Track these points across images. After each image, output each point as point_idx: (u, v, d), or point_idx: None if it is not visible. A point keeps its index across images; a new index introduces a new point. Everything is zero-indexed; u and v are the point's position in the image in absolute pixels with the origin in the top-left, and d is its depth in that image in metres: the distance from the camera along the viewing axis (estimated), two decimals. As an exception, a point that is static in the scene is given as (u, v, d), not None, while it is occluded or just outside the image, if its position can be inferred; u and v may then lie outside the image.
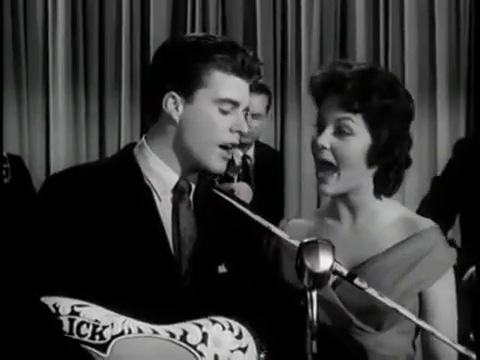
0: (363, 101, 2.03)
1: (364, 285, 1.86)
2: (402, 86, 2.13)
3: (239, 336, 1.80)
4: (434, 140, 5.77)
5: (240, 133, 1.96)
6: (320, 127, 2.10)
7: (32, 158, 5.72)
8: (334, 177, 2.08)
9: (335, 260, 1.66)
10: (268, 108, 4.63)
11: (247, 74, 1.96)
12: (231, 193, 2.86)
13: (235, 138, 1.96)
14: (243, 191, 3.82)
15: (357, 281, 1.84)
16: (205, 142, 1.93)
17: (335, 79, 2.07)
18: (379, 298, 1.84)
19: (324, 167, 2.09)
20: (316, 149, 2.09)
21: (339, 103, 2.05)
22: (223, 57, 1.92)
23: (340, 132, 2.06)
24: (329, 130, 2.07)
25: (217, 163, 1.95)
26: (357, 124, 2.05)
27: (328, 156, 2.07)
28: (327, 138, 2.06)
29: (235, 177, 4.03)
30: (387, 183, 2.11)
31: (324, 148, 2.07)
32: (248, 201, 3.23)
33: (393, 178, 2.11)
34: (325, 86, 2.09)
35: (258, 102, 4.45)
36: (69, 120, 5.80)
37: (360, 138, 2.06)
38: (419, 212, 3.12)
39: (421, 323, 1.85)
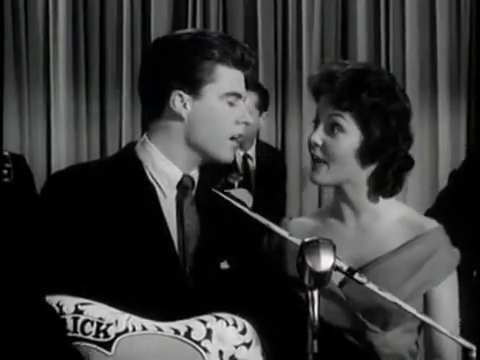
0: (353, 99, 2.05)
1: (364, 280, 1.87)
2: (399, 86, 2.14)
3: (243, 332, 1.81)
4: (435, 139, 5.76)
5: (246, 124, 2.00)
6: (316, 124, 2.13)
7: (33, 157, 5.70)
8: (324, 168, 2.10)
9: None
10: (260, 106, 4.57)
11: (245, 66, 1.99)
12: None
13: (242, 129, 2.00)
14: (243, 197, 3.83)
15: (357, 276, 1.86)
16: (216, 136, 1.96)
17: (329, 77, 2.10)
18: (379, 293, 1.85)
19: (316, 162, 2.12)
20: (309, 145, 2.13)
21: (331, 101, 2.08)
22: (224, 51, 1.94)
23: (332, 129, 2.09)
24: (321, 127, 2.10)
25: (227, 154, 1.99)
26: (348, 122, 2.07)
27: (319, 153, 2.10)
28: (319, 135, 2.10)
29: (235, 184, 4.05)
30: (385, 184, 2.11)
31: (316, 145, 2.10)
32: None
33: (392, 179, 2.11)
34: (320, 84, 2.12)
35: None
36: (70, 119, 5.80)
37: (350, 136, 2.08)
38: (430, 211, 3.11)
39: (423, 317, 1.86)
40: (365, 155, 2.08)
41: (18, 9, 5.71)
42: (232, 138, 1.98)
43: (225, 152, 1.98)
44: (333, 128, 2.08)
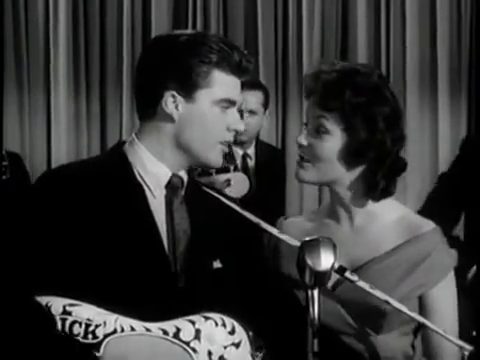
0: (336, 99, 2.05)
1: (355, 278, 1.87)
2: (389, 87, 2.12)
3: (232, 332, 1.80)
4: (435, 139, 5.76)
5: (236, 131, 1.99)
6: (305, 125, 2.14)
7: (33, 157, 5.72)
8: (309, 166, 2.11)
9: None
10: (265, 105, 4.58)
11: (242, 73, 1.98)
12: (226, 183, 2.85)
13: (231, 136, 1.98)
14: (239, 181, 3.80)
15: (348, 274, 1.85)
16: (205, 140, 1.95)
17: (315, 78, 2.10)
18: (370, 291, 1.85)
19: (302, 160, 2.13)
20: (297, 146, 2.13)
21: (317, 102, 2.09)
22: (223, 57, 1.93)
23: (317, 130, 2.08)
24: (308, 128, 2.11)
25: (216, 158, 1.98)
26: (332, 123, 2.07)
27: (305, 154, 2.11)
28: (305, 136, 2.11)
29: (231, 167, 4.03)
30: (376, 186, 2.10)
31: (302, 146, 2.11)
32: (245, 191, 3.24)
33: (383, 181, 2.09)
34: (308, 86, 2.13)
35: (254, 99, 4.42)
36: (70, 119, 5.81)
37: (334, 137, 2.07)
38: (423, 209, 3.10)
39: (415, 316, 1.85)
40: (349, 157, 2.07)
41: (18, 9, 5.72)
42: (221, 143, 1.97)
43: (214, 156, 1.97)
44: (318, 129, 2.08)
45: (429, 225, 2.15)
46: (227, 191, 3.07)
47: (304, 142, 2.10)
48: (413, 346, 2.17)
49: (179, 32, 2.01)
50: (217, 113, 1.94)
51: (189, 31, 2.04)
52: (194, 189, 2.03)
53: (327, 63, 2.13)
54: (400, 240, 2.12)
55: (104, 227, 1.86)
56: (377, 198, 2.12)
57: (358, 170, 2.10)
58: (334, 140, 2.06)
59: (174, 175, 1.97)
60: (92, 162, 2.11)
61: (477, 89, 5.74)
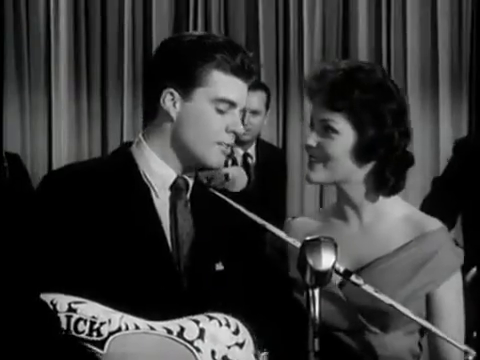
0: (343, 99, 2.04)
1: (360, 281, 1.86)
2: (393, 83, 2.12)
3: (236, 332, 1.80)
4: (436, 138, 5.75)
5: (235, 133, 1.97)
6: (311, 126, 2.13)
7: (34, 157, 5.72)
8: (320, 167, 2.10)
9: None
10: (267, 105, 4.61)
11: (246, 75, 1.96)
12: (225, 177, 2.85)
13: (230, 138, 1.97)
14: (237, 175, 3.80)
15: (353, 278, 1.85)
16: (202, 140, 1.94)
17: (320, 78, 2.09)
18: (375, 294, 1.84)
19: (312, 161, 2.12)
20: (306, 148, 2.12)
21: (323, 102, 2.07)
22: (223, 57, 1.92)
23: (326, 130, 2.07)
24: (316, 129, 2.10)
25: (215, 158, 1.97)
26: (340, 123, 2.06)
27: (315, 154, 2.10)
28: (314, 138, 2.09)
29: (229, 162, 4.03)
30: (386, 182, 2.09)
31: (311, 147, 2.09)
32: (243, 185, 3.23)
33: (392, 177, 2.09)
34: (312, 86, 2.11)
35: (257, 99, 4.45)
36: (71, 118, 5.80)
37: (344, 136, 2.06)
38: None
39: (419, 320, 1.85)
40: (360, 154, 2.07)
41: (19, 8, 5.72)
42: (220, 143, 1.95)
43: (212, 157, 1.95)
44: (327, 130, 2.07)
45: (436, 224, 2.15)
46: (226, 185, 3.07)
47: (313, 143, 2.08)
48: (420, 345, 2.17)
49: (187, 33, 2.02)
50: (214, 113, 1.93)
51: (198, 32, 2.04)
52: (199, 191, 2.03)
53: (329, 62, 2.12)
54: (407, 238, 2.11)
55: (110, 227, 1.86)
56: (388, 194, 2.12)
57: (369, 167, 2.10)
58: (344, 138, 2.06)
59: (179, 177, 1.97)
60: (98, 162, 2.12)
61: (478, 89, 5.74)
